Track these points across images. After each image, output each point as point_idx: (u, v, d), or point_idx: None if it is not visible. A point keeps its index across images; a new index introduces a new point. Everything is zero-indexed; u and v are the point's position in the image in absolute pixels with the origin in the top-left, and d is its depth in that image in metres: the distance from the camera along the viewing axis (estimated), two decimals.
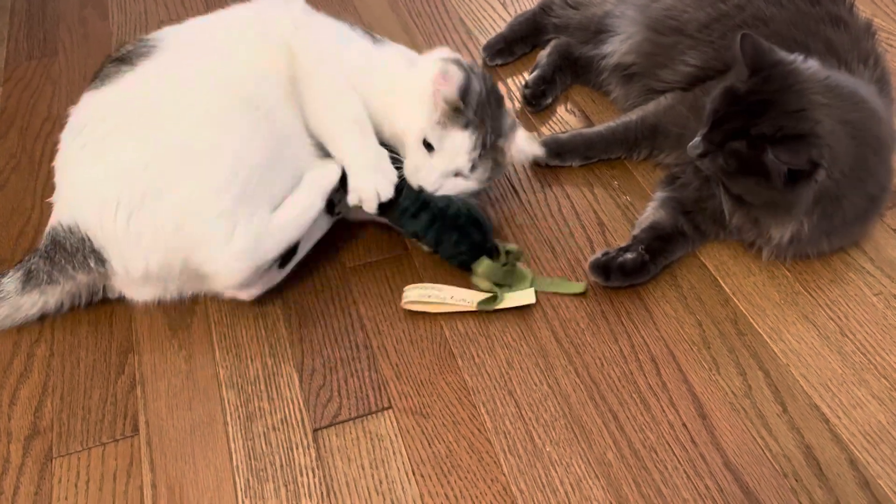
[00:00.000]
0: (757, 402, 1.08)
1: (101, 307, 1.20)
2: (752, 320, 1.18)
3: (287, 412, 1.07)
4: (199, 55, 1.19)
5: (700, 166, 1.19)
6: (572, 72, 1.56)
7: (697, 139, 1.17)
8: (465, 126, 1.17)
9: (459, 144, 1.18)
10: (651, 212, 1.28)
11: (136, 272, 1.11)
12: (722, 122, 1.14)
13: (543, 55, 1.57)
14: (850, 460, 1.01)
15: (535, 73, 1.54)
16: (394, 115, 1.21)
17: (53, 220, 1.13)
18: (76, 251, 1.10)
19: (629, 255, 1.19)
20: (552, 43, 1.58)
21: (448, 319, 1.19)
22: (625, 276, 1.19)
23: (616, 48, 1.47)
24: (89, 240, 1.09)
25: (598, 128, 1.42)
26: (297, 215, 1.17)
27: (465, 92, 1.16)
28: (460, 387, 1.10)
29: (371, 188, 1.16)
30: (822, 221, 1.15)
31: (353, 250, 1.30)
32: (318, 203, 1.18)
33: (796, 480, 0.99)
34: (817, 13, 1.30)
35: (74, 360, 1.14)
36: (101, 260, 1.10)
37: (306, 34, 1.23)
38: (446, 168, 1.19)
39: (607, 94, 1.54)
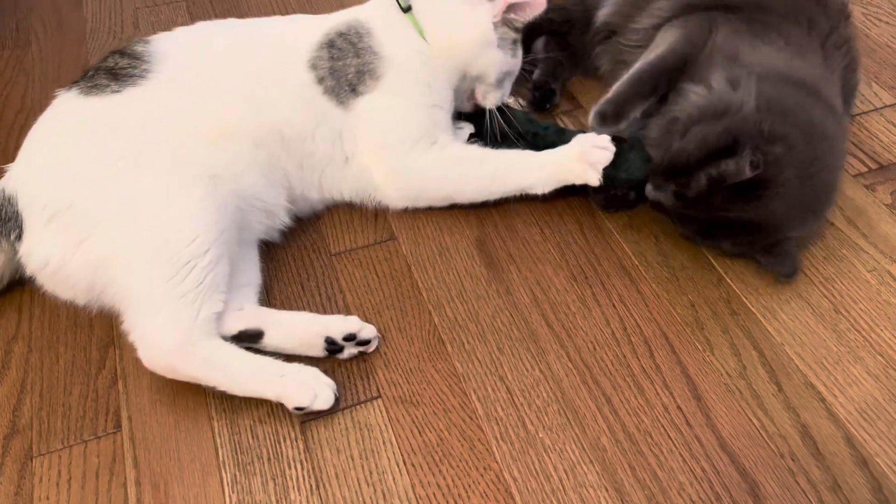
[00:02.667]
0: (752, 382, 1.06)
1: None
2: (745, 300, 1.16)
3: (274, 403, 1.05)
4: (189, 96, 1.14)
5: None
6: (570, 63, 1.51)
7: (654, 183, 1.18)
8: (517, 32, 1.27)
9: (520, 51, 1.30)
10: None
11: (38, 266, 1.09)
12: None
13: (539, 50, 1.52)
14: (847, 438, 1.00)
15: (538, 74, 1.48)
16: (470, 67, 1.26)
17: None
18: (8, 220, 1.09)
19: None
20: (544, 39, 1.53)
21: (437, 306, 1.16)
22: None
23: (602, 14, 1.45)
24: (20, 217, 1.08)
25: (635, 75, 1.29)
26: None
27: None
28: (450, 374, 1.08)
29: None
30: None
31: (339, 237, 1.27)
32: None
33: (793, 460, 0.98)
34: None
35: (53, 356, 1.11)
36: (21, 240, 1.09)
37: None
38: (516, 73, 1.32)
39: (597, 69, 1.51)
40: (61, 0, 1.82)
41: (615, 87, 1.27)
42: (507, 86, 1.31)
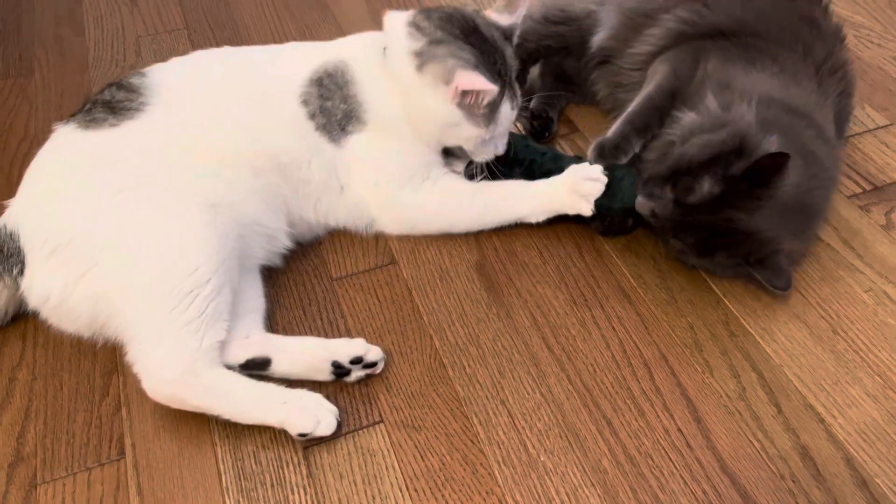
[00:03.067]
0: (751, 403, 1.07)
1: None
2: (743, 321, 1.17)
3: (277, 429, 1.05)
4: (186, 126, 1.15)
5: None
6: (566, 89, 1.53)
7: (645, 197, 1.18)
8: (502, 95, 1.19)
9: (507, 112, 1.21)
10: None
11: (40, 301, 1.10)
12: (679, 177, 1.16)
13: (535, 79, 1.54)
14: (847, 459, 1.00)
15: (535, 103, 1.48)
16: (446, 140, 1.25)
17: (0, 221, 1.13)
18: (10, 255, 1.10)
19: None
20: (540, 65, 1.55)
21: (438, 329, 1.17)
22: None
23: (598, 39, 1.47)
24: (21, 252, 1.09)
25: (633, 113, 1.32)
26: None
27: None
28: (452, 398, 1.09)
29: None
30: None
31: (340, 261, 1.29)
32: None
33: (793, 482, 0.98)
34: (795, 9, 1.31)
35: (57, 384, 1.12)
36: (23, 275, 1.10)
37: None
38: (506, 131, 1.25)
39: (594, 94, 1.53)
40: (64, 29, 1.85)
41: (613, 127, 1.30)
42: (500, 144, 1.26)
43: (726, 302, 1.20)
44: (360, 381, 1.10)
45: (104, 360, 1.15)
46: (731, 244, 1.15)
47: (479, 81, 1.13)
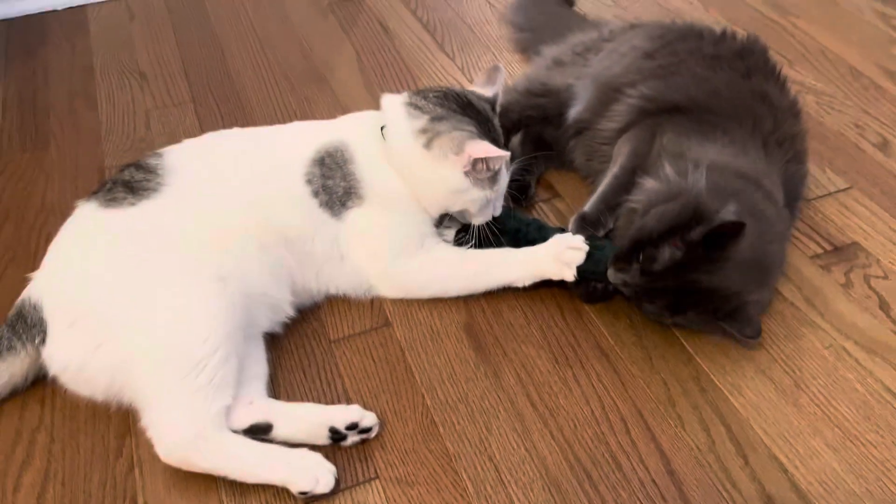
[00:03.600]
0: (720, 455, 1.15)
1: None
2: (713, 377, 1.26)
3: (279, 487, 1.13)
4: (199, 205, 1.25)
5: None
6: (545, 157, 1.63)
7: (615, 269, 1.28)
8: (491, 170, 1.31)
9: (504, 175, 1.35)
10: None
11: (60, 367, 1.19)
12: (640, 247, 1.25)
13: (516, 146, 1.65)
14: None
15: (514, 167, 1.55)
16: (452, 206, 1.36)
17: (25, 294, 1.23)
18: (34, 326, 1.19)
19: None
20: (521, 133, 1.66)
21: (429, 388, 1.26)
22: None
23: (574, 112, 1.59)
24: (44, 322, 1.18)
25: (603, 192, 1.44)
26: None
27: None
28: (442, 454, 1.17)
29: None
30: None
31: (337, 324, 1.38)
32: None
33: None
34: (748, 86, 1.44)
35: (74, 446, 1.20)
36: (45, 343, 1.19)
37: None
38: (503, 193, 1.37)
39: (572, 161, 1.64)
40: (78, 103, 1.96)
41: (590, 202, 1.43)
42: (498, 205, 1.38)
43: (697, 359, 1.29)
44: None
45: (118, 422, 1.23)
46: (699, 302, 1.24)
47: (490, 149, 1.27)
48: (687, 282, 1.22)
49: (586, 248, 1.30)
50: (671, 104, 1.43)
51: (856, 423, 1.18)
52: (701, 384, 1.25)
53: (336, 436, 1.16)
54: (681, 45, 1.54)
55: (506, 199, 1.42)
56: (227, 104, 1.93)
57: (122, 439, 1.21)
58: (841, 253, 1.45)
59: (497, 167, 1.30)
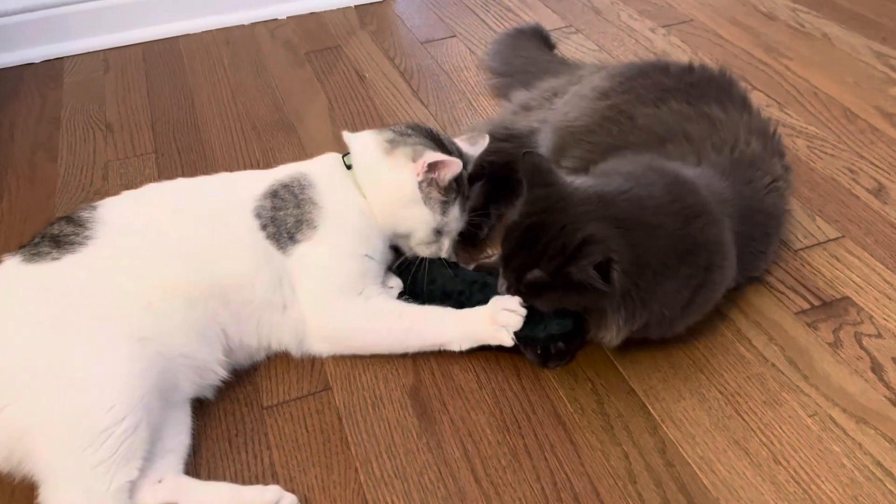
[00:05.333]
0: None
1: None
2: (681, 449, 1.12)
3: None
4: (123, 261, 1.17)
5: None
6: (505, 201, 1.54)
7: (501, 279, 1.21)
8: (456, 193, 1.31)
9: (456, 213, 1.33)
10: None
11: None
12: (511, 258, 1.18)
13: (475, 195, 1.55)
14: None
15: (469, 209, 1.48)
16: (401, 223, 1.32)
17: None
18: None
19: None
20: (481, 183, 1.57)
21: (364, 462, 1.14)
22: None
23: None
24: None
25: None
26: None
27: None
28: None
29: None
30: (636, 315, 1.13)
31: (273, 388, 1.27)
32: None
33: None
34: (688, 112, 1.35)
35: None
36: None
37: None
38: (453, 234, 1.35)
39: None
40: (39, 155, 1.91)
41: None
42: (445, 244, 1.34)
43: (664, 427, 1.15)
44: None
45: (21, 496, 1.12)
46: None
47: (444, 156, 1.26)
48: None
49: (524, 311, 1.19)
50: (612, 146, 1.35)
51: None
52: (667, 457, 1.11)
53: None
54: (640, 81, 1.45)
55: (456, 257, 1.36)
56: (189, 154, 1.87)
57: None
58: (830, 308, 1.32)
59: (449, 178, 1.28)
